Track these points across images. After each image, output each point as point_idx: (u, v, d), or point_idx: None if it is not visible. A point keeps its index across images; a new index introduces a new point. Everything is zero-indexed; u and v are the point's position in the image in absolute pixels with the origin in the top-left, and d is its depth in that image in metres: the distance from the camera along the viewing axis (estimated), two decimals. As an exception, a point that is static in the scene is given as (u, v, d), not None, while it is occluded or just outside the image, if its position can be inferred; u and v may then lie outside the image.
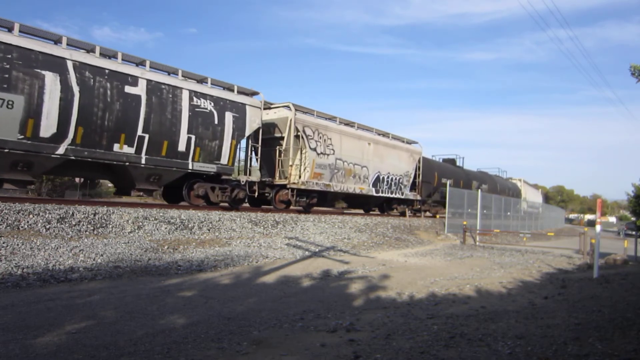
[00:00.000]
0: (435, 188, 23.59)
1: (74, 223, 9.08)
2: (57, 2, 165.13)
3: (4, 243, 7.48)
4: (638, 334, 4.44)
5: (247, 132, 13.76)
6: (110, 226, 9.56)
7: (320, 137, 16.06)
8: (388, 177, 19.93)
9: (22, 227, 8.35)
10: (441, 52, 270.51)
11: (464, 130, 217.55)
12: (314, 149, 15.77)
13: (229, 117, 13.01)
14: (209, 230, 11.16)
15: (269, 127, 15.55)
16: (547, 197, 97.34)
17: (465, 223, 19.07)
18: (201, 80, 12.75)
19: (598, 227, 10.20)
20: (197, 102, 12.20)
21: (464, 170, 27.86)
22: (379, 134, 19.91)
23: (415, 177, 21.98)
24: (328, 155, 16.39)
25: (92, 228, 9.23)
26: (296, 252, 10.90)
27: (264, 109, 14.86)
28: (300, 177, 15.38)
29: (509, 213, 27.16)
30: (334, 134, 16.71)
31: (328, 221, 15.05)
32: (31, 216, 8.70)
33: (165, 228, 10.35)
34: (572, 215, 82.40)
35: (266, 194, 15.53)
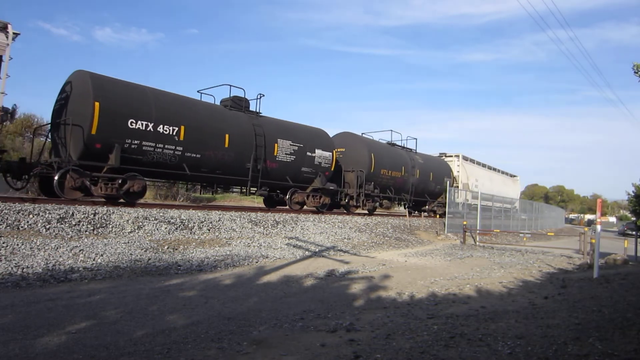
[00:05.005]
0: (101, 141, 10.67)
1: (74, 223, 9.08)
2: (58, 2, 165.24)
3: (4, 243, 7.48)
4: (638, 334, 4.44)
5: None
6: (110, 226, 9.56)
7: None
8: None
9: (22, 227, 8.35)
10: (441, 52, 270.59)
11: (464, 130, 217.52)
12: None
13: None
14: (209, 230, 11.16)
15: None
16: (547, 197, 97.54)
17: (465, 223, 19.06)
18: None
19: (598, 227, 10.20)
20: None
21: (260, 119, 14.71)
22: None
23: None
24: None
25: (92, 228, 9.23)
26: (296, 252, 10.90)
27: None
28: None
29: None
30: None
31: (328, 221, 15.05)
32: (31, 216, 8.70)
33: (165, 228, 10.35)
34: (572, 215, 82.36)
35: None
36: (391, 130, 22.03)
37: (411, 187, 21.39)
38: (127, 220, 9.96)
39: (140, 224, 10.06)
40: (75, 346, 3.91)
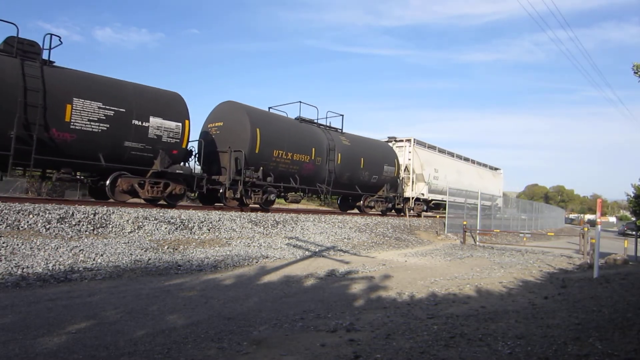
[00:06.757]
0: None
1: (74, 223, 9.08)
2: (59, 2, 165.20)
3: (4, 243, 7.48)
4: (638, 334, 4.43)
5: None
6: (110, 226, 9.56)
7: None
8: None
9: (22, 227, 8.35)
10: (441, 53, 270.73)
11: (464, 130, 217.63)
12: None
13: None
14: (209, 230, 11.16)
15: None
16: (547, 197, 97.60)
17: (465, 223, 19.05)
18: None
19: (598, 227, 10.21)
20: None
21: (46, 70, 9.86)
22: None
23: None
24: None
25: (92, 228, 9.22)
26: (296, 252, 10.89)
27: None
28: None
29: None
30: None
31: (328, 221, 15.04)
32: (31, 216, 8.70)
33: (165, 228, 10.34)
34: (572, 215, 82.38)
35: None
36: (300, 102, 16.62)
37: (329, 175, 16.51)
38: (127, 220, 9.96)
39: (140, 224, 10.06)
40: (75, 346, 3.91)
